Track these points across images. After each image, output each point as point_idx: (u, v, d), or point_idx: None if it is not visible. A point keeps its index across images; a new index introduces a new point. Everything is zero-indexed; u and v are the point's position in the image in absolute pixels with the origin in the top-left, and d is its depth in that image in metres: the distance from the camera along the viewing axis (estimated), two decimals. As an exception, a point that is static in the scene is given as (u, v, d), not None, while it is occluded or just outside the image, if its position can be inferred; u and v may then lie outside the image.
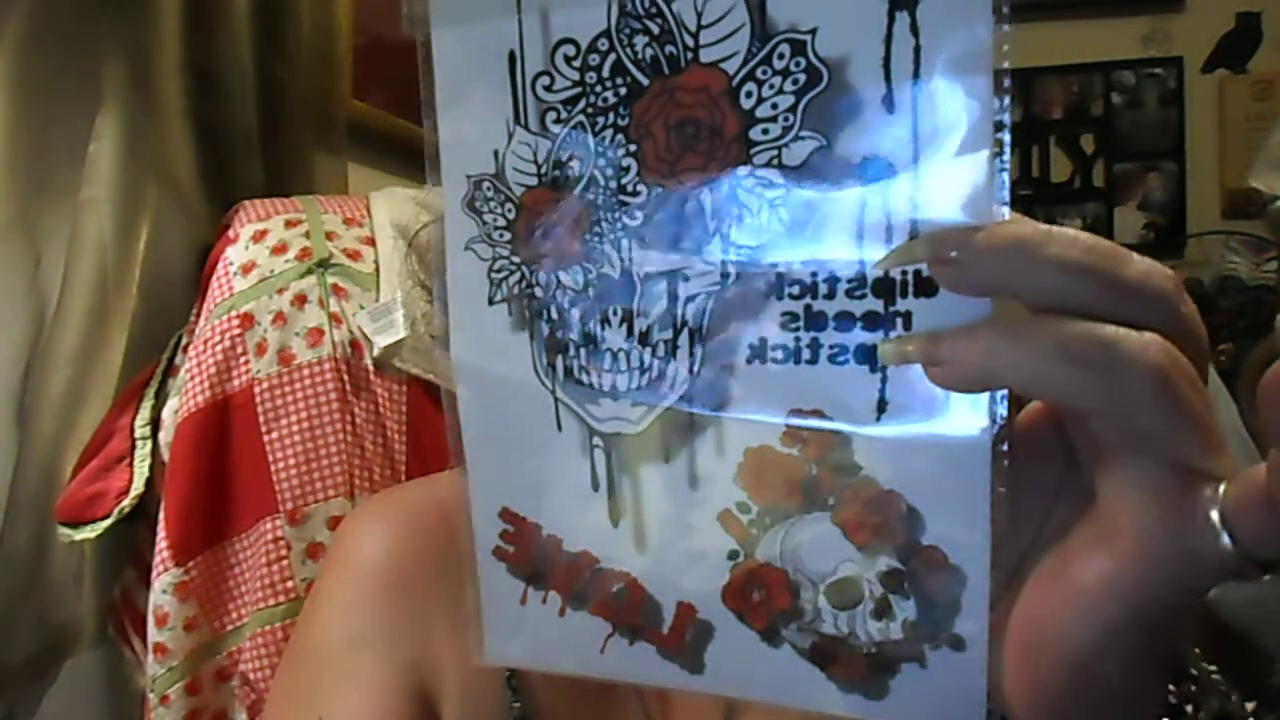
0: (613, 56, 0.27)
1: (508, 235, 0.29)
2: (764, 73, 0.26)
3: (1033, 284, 0.24)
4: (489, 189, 0.29)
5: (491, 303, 0.30)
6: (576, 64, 0.28)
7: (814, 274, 0.26)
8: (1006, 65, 0.24)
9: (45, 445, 0.75)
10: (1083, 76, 2.70)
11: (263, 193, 0.88)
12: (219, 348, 0.74)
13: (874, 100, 0.25)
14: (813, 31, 0.25)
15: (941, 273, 0.25)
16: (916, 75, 0.24)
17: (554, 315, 0.29)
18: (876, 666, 0.28)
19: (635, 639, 0.30)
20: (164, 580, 0.73)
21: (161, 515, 0.74)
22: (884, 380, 0.26)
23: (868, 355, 0.26)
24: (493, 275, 0.30)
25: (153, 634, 0.73)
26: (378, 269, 0.80)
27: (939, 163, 0.25)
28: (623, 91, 0.27)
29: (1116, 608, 0.25)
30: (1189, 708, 0.38)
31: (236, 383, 0.74)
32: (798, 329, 0.27)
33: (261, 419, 0.74)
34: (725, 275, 0.27)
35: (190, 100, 0.85)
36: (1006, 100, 0.24)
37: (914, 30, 0.24)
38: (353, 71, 1.11)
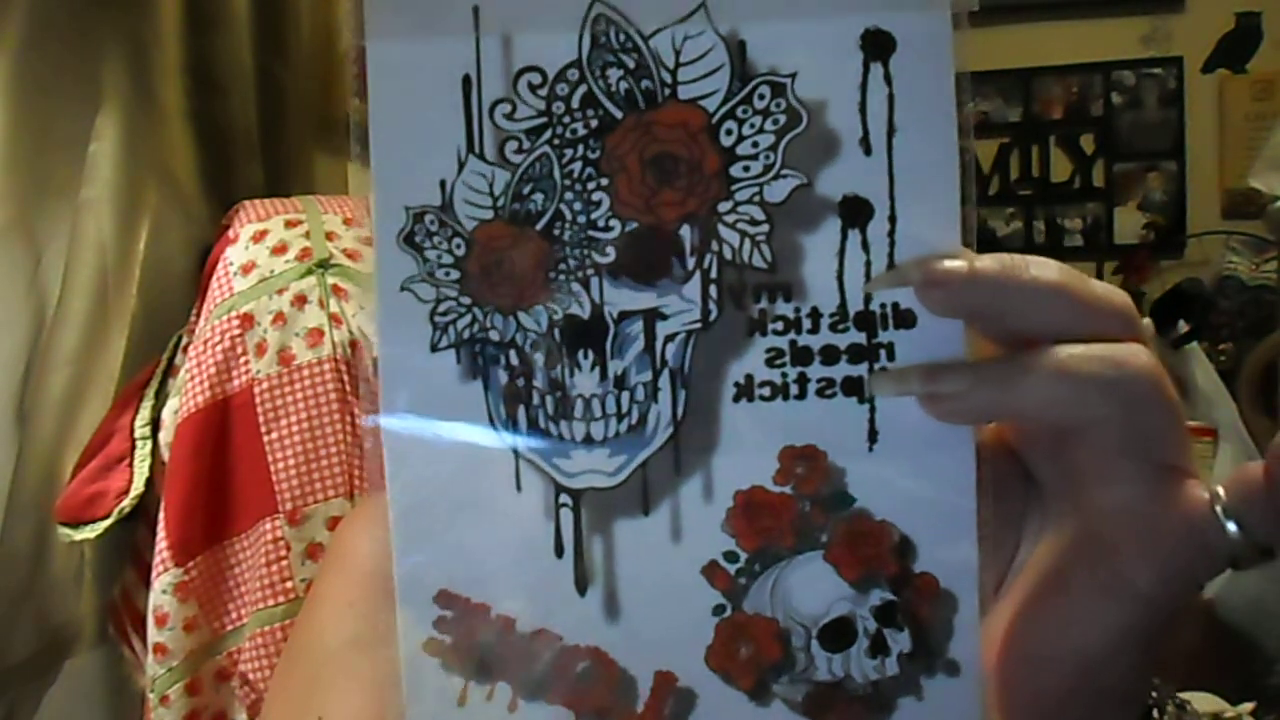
0: (583, 88, 0.26)
1: (456, 274, 0.27)
2: (744, 112, 0.26)
3: (1016, 304, 0.26)
4: (433, 223, 0.27)
5: (435, 349, 0.27)
6: (542, 93, 0.26)
7: (797, 309, 0.26)
8: (968, 69, 0.26)
9: (45, 445, 0.75)
10: (1083, 76, 2.70)
11: (263, 193, 0.88)
12: (219, 348, 0.74)
13: (852, 142, 0.26)
14: (792, 75, 0.26)
15: (933, 296, 0.26)
16: (891, 121, 0.26)
17: (514, 361, 0.27)
18: (873, 707, 0.27)
19: None
20: (164, 580, 0.73)
21: (161, 515, 0.74)
22: (873, 410, 0.27)
23: (855, 387, 0.27)
24: (436, 319, 0.27)
25: (153, 634, 0.73)
26: (378, 269, 0.80)
27: (913, 200, 0.26)
28: (594, 124, 0.26)
29: (1130, 611, 0.26)
30: (1154, 713, 0.38)
31: (236, 383, 0.74)
32: (784, 364, 0.27)
33: (261, 419, 0.74)
34: (706, 313, 0.27)
35: (190, 100, 0.85)
36: (970, 110, 0.26)
37: (887, 80, 0.26)
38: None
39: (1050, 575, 0.28)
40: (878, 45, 0.26)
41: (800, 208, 0.26)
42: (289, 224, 0.80)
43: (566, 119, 0.27)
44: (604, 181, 0.27)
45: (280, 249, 0.78)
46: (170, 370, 0.80)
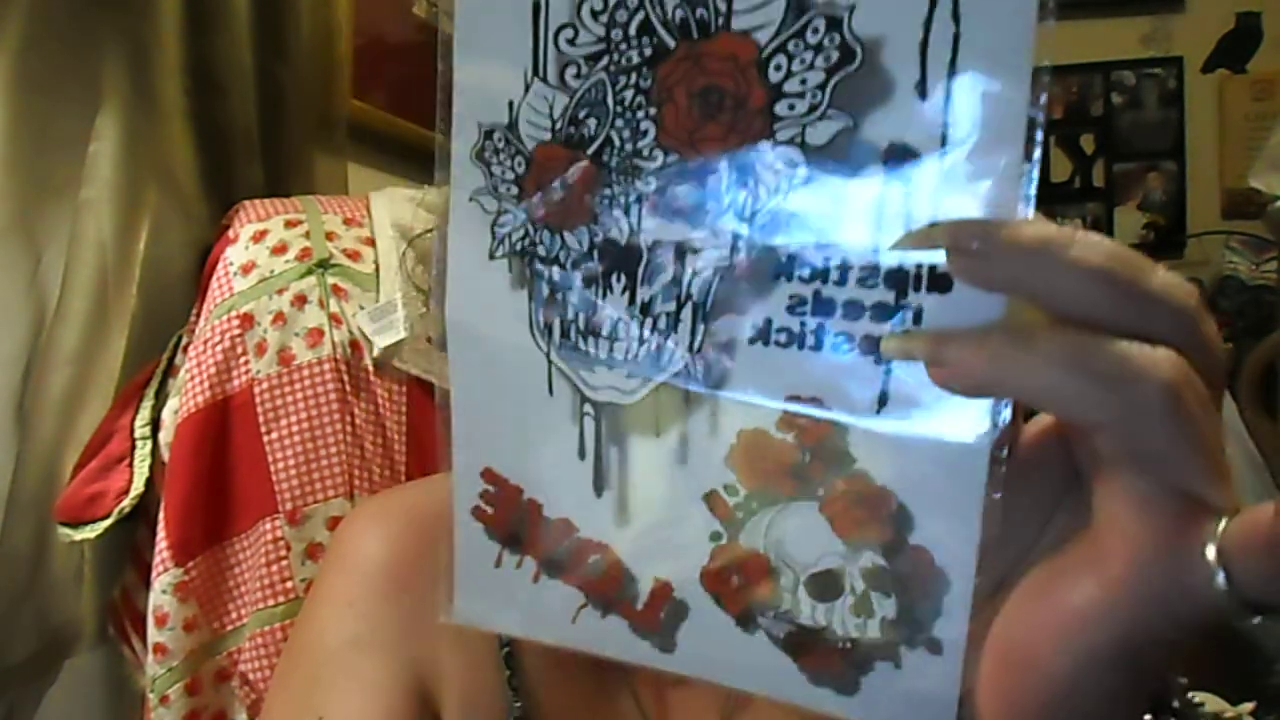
0: (640, 15, 0.26)
1: (515, 190, 0.28)
2: (796, 46, 0.25)
3: (1051, 285, 0.23)
4: (500, 140, 0.28)
5: (492, 257, 0.29)
6: (603, 19, 0.27)
7: (827, 259, 0.25)
8: (1048, 63, 0.23)
9: (45, 445, 0.75)
10: (1083, 76, 2.70)
11: (263, 193, 0.88)
12: (219, 348, 0.74)
13: (907, 85, 0.24)
14: (850, 8, 0.24)
15: (959, 264, 0.23)
16: (953, 63, 0.23)
17: (555, 277, 0.28)
18: (850, 662, 0.27)
19: (608, 612, 0.29)
20: (164, 580, 0.73)
21: (161, 515, 0.74)
22: (887, 374, 0.25)
23: (873, 346, 0.25)
24: (496, 229, 0.29)
25: (153, 634, 0.73)
26: (378, 269, 0.80)
27: (967, 155, 0.24)
28: (648, 52, 0.26)
29: (1099, 636, 0.24)
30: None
31: (236, 383, 0.74)
32: (804, 313, 0.26)
33: (261, 419, 0.74)
34: (735, 252, 0.26)
35: (190, 100, 0.85)
36: (1044, 97, 0.23)
37: (955, 17, 0.23)
38: (353, 71, 1.11)
39: (1039, 579, 0.26)
40: None
41: (843, 152, 0.25)
42: (289, 224, 0.81)
43: (623, 46, 0.26)
44: (652, 111, 0.26)
45: (280, 249, 0.78)
46: (170, 370, 0.80)
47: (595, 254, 0.28)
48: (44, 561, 0.76)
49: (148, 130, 0.81)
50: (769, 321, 0.26)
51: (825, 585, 0.27)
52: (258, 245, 0.78)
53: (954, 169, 0.24)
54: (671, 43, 0.26)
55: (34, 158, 0.75)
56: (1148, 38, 2.64)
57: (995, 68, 0.23)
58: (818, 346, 0.26)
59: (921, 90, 0.24)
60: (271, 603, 0.73)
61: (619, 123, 0.27)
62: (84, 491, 0.74)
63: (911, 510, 0.26)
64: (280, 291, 0.76)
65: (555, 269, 0.28)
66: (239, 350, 0.74)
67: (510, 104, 0.28)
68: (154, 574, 0.73)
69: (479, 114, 0.28)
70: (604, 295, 0.28)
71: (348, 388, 0.75)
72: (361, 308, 0.77)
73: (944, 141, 0.24)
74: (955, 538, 0.25)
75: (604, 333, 0.28)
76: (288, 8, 0.96)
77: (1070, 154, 2.74)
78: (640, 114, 0.26)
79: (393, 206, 0.85)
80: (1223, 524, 0.23)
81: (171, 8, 0.82)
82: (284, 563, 0.73)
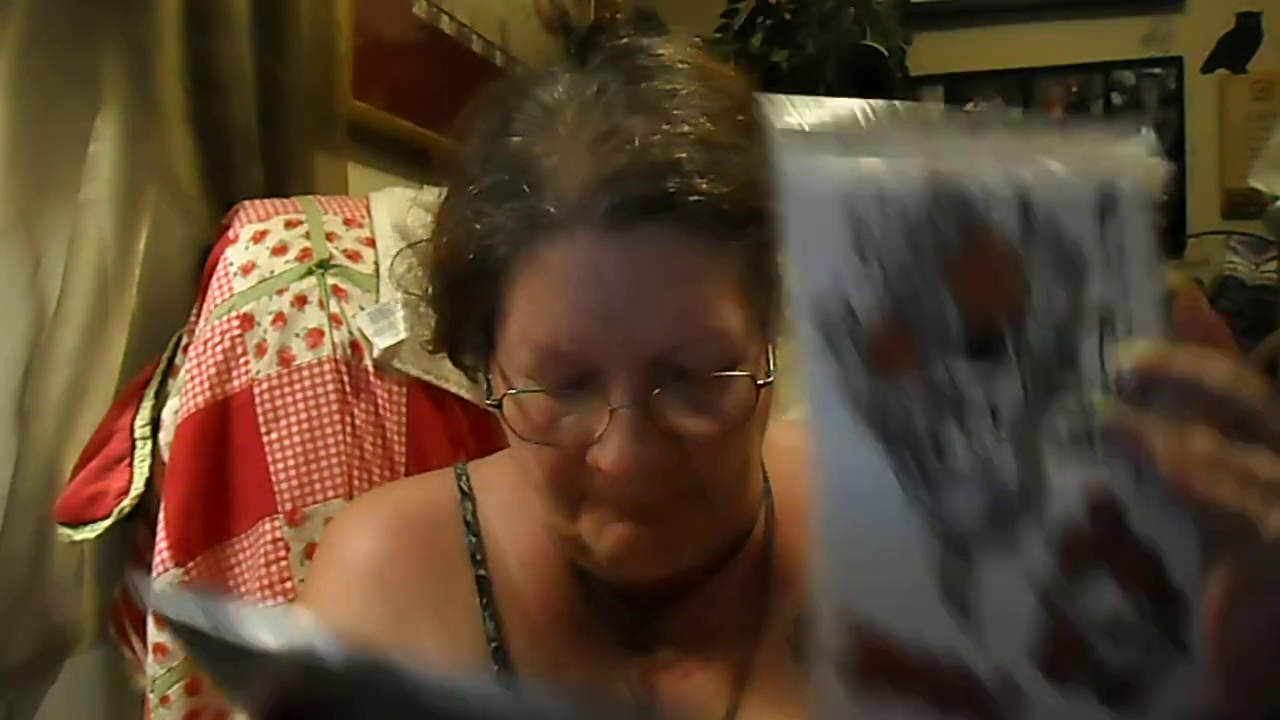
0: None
1: (859, 360, 0.32)
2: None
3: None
4: (842, 318, 0.32)
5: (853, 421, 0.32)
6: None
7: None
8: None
9: (45, 445, 0.75)
10: (1083, 76, 2.70)
11: (263, 193, 0.88)
12: (219, 348, 0.74)
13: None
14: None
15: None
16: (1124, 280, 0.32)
17: (904, 419, 0.32)
18: (1141, 695, 0.32)
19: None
20: (164, 580, 0.73)
21: (161, 515, 0.74)
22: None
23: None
24: (847, 391, 0.32)
25: (153, 634, 0.73)
26: (377, 270, 0.80)
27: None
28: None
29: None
30: None
31: (236, 383, 0.74)
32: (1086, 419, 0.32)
33: (261, 419, 0.74)
34: (1026, 395, 0.32)
35: (190, 100, 0.85)
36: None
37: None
38: (353, 71, 1.11)
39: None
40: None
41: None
42: (289, 224, 0.80)
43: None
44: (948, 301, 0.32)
45: (280, 249, 0.78)
46: (170, 370, 0.80)
47: (932, 401, 0.32)
48: (44, 561, 0.76)
49: (148, 130, 0.81)
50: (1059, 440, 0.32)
51: (1116, 632, 0.32)
52: (258, 245, 0.79)
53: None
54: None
55: (34, 158, 0.75)
56: (1148, 38, 2.63)
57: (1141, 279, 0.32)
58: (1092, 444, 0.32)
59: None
60: (271, 602, 0.73)
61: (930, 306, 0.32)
62: (84, 491, 0.74)
63: (1166, 556, 0.32)
64: (280, 292, 0.76)
65: (902, 413, 0.32)
66: (239, 350, 0.75)
67: (839, 285, 0.32)
68: (154, 574, 0.73)
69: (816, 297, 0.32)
70: (941, 427, 0.32)
71: (348, 388, 0.75)
72: (361, 308, 0.77)
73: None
74: (1187, 565, 0.32)
75: (949, 461, 0.32)
76: (288, 8, 0.96)
77: (1070, 154, 2.74)
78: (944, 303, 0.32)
79: (393, 206, 0.85)
80: None
81: (171, 8, 0.82)
82: (283, 563, 0.73)
